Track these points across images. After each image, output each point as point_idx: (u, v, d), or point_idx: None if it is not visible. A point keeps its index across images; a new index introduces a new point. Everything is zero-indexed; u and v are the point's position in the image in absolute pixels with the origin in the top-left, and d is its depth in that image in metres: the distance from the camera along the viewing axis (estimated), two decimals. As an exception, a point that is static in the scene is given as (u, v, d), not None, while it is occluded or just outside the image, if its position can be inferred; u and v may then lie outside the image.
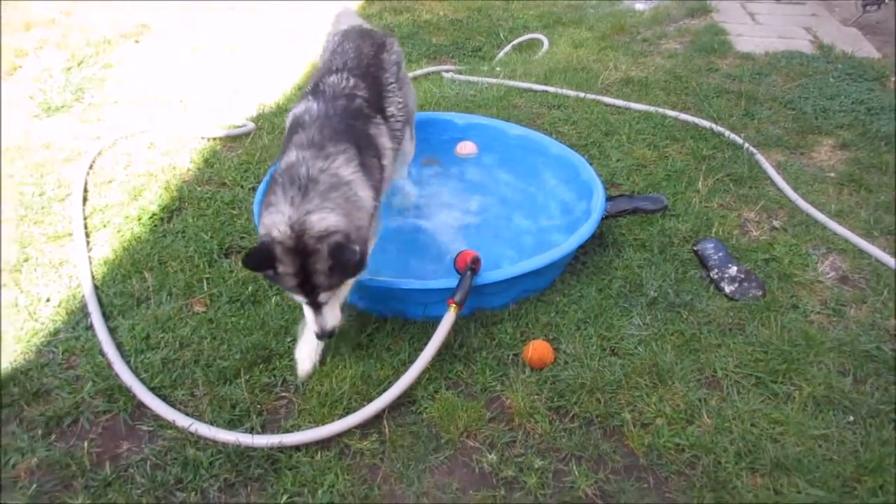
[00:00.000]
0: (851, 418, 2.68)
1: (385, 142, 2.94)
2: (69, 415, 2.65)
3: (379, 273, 2.92)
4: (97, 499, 2.36)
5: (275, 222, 2.36)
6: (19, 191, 3.92)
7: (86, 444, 2.53)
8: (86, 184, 3.99)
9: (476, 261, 2.91)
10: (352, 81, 2.96)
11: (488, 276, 2.94)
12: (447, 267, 3.12)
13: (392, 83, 3.19)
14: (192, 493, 2.39)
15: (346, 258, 2.34)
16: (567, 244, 3.11)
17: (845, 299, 3.26)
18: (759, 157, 4.27)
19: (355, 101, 2.89)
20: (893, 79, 5.21)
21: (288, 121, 2.93)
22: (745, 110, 4.84)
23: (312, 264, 2.34)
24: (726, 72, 5.44)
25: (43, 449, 2.51)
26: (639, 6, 7.24)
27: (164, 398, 2.71)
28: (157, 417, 2.65)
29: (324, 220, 2.35)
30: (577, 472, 2.48)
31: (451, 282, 2.87)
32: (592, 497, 2.42)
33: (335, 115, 2.77)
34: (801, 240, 3.61)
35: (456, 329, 2.98)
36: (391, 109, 3.12)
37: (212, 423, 2.60)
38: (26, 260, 3.40)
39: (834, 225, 3.67)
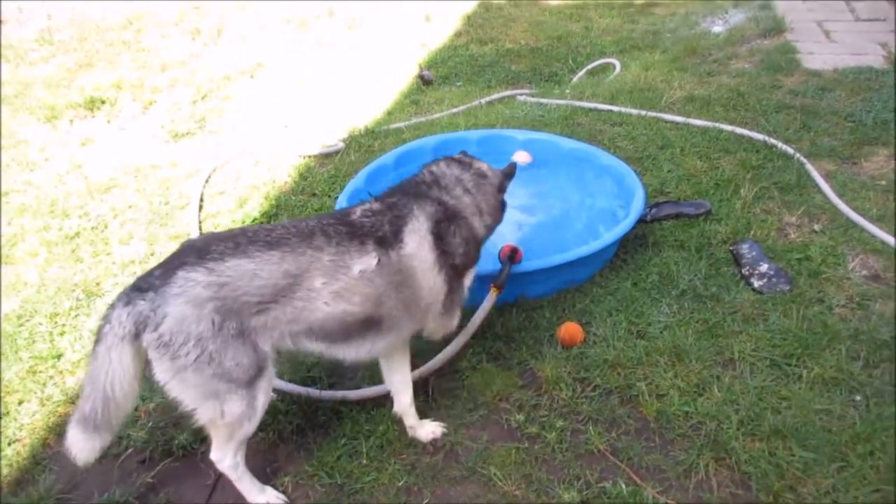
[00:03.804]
0: (858, 398, 2.90)
1: None
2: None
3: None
4: (197, 434, 2.96)
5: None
6: (149, 200, 4.73)
7: (192, 393, 3.15)
8: (202, 195, 4.76)
9: (515, 251, 3.35)
10: None
11: (524, 266, 3.38)
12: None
13: None
14: (271, 433, 2.96)
15: None
16: (595, 244, 3.50)
17: (872, 295, 3.43)
18: (809, 166, 4.45)
19: None
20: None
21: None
22: (803, 123, 5.01)
23: None
24: (789, 88, 5.60)
25: (158, 397, 3.15)
26: (716, 29, 7.46)
27: (254, 361, 3.30)
28: (247, 376, 3.24)
29: None
30: (592, 432, 2.85)
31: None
32: (604, 451, 2.78)
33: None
34: (837, 241, 3.80)
35: (499, 312, 3.45)
36: None
37: (289, 381, 3.16)
38: (152, 254, 4.14)
39: (871, 227, 3.83)
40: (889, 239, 3.75)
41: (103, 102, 6.67)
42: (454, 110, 6.00)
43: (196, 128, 6.16)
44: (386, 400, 3.07)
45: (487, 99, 6.21)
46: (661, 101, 5.55)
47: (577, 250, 3.46)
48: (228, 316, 2.31)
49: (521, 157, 4.67)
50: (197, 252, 2.38)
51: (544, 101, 5.84)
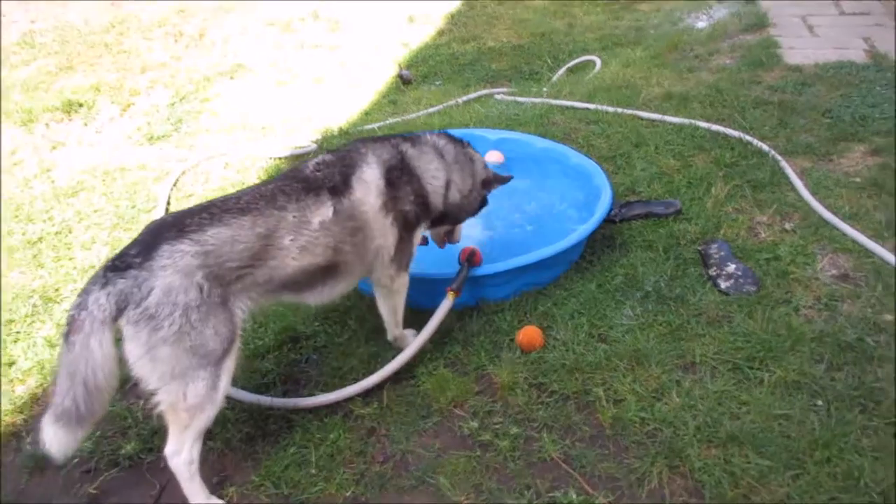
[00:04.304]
0: (819, 402, 2.82)
1: None
2: (129, 380, 3.21)
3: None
4: (144, 444, 2.91)
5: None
6: (116, 204, 4.67)
7: (141, 402, 3.09)
8: (169, 198, 4.70)
9: (473, 254, 3.28)
10: None
11: (484, 268, 3.31)
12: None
13: None
14: (219, 442, 2.89)
15: None
16: (556, 245, 3.41)
17: (840, 295, 3.35)
18: (784, 163, 4.37)
19: None
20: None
21: None
22: (780, 120, 4.92)
23: None
24: (769, 84, 5.50)
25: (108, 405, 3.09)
26: (699, 24, 7.37)
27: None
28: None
29: None
30: (546, 439, 2.77)
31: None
32: (557, 460, 2.71)
33: None
34: (808, 241, 3.71)
35: (458, 316, 3.38)
36: None
37: (241, 388, 3.09)
38: (114, 259, 4.08)
39: (843, 225, 3.74)
40: (859, 237, 3.66)
41: (80, 105, 6.61)
42: (431, 110, 5.93)
43: (171, 130, 6.11)
44: (338, 408, 3.01)
45: (465, 98, 6.14)
46: (639, 99, 5.47)
47: (538, 252, 3.38)
48: (214, 283, 2.41)
49: (493, 157, 4.60)
50: (173, 227, 2.44)
51: (521, 99, 5.77)
